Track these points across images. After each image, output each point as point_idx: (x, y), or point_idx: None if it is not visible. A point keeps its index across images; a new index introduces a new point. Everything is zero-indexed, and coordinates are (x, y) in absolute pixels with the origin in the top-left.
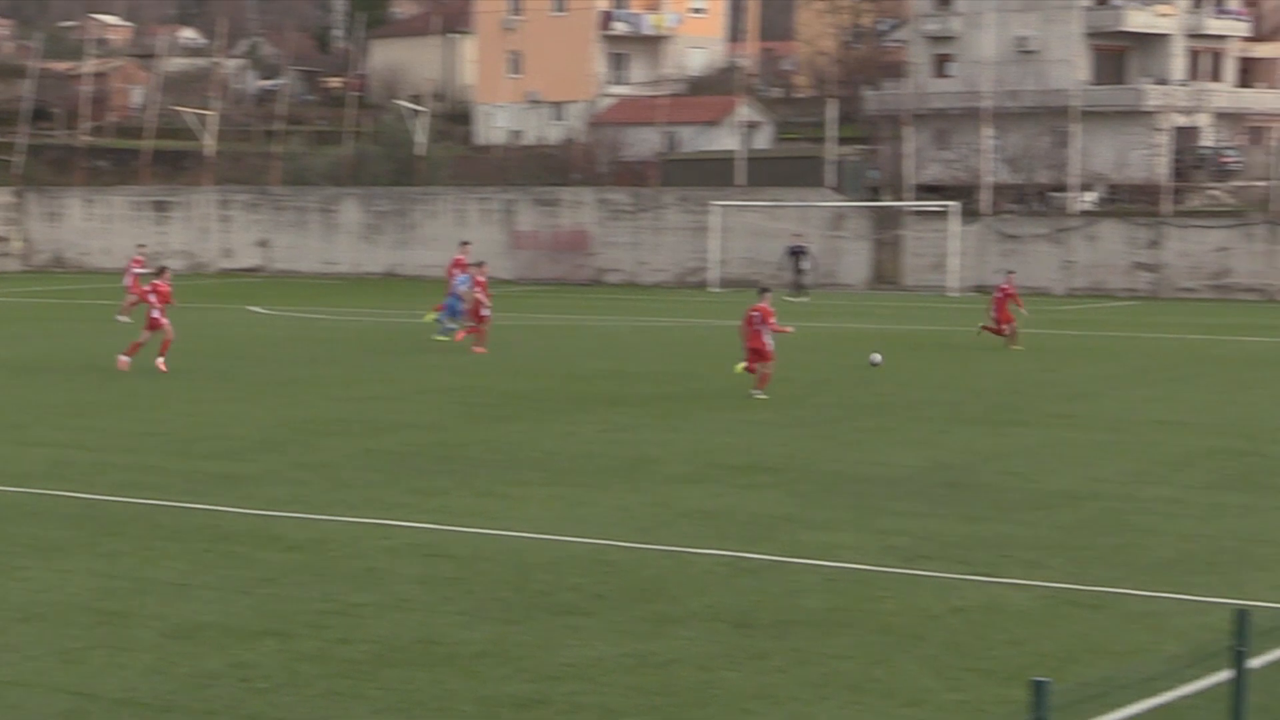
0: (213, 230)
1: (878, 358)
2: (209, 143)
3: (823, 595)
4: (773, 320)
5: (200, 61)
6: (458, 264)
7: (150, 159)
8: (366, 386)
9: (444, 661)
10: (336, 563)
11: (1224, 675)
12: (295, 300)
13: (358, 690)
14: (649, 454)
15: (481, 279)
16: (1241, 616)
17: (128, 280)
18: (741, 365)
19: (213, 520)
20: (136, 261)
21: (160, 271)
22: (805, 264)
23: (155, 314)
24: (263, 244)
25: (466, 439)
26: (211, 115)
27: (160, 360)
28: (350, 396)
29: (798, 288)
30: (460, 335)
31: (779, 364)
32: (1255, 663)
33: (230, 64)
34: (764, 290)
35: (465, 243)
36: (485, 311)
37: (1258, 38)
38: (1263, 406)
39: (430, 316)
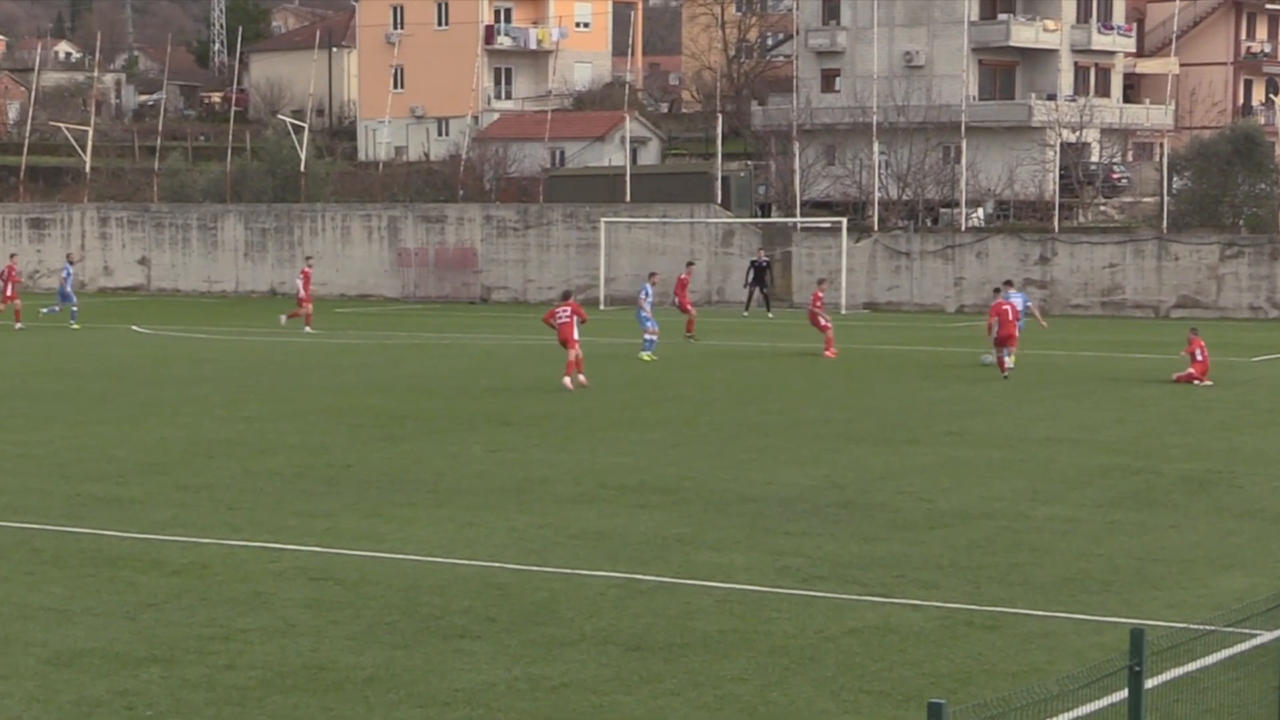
0: (92, 248)
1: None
2: (86, 159)
3: (716, 617)
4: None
5: (77, 76)
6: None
7: (26, 176)
8: (250, 407)
9: (333, 687)
10: (221, 587)
11: (1120, 695)
12: (177, 319)
13: (245, 718)
14: (539, 474)
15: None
16: (1138, 636)
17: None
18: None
19: (95, 544)
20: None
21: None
22: (768, 279)
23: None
24: (143, 262)
25: (353, 460)
26: (89, 131)
27: None
28: (234, 417)
29: (766, 303)
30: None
31: (672, 382)
32: (1152, 683)
33: (108, 79)
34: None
35: (308, 259)
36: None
37: (1143, 54)
38: (1155, 424)
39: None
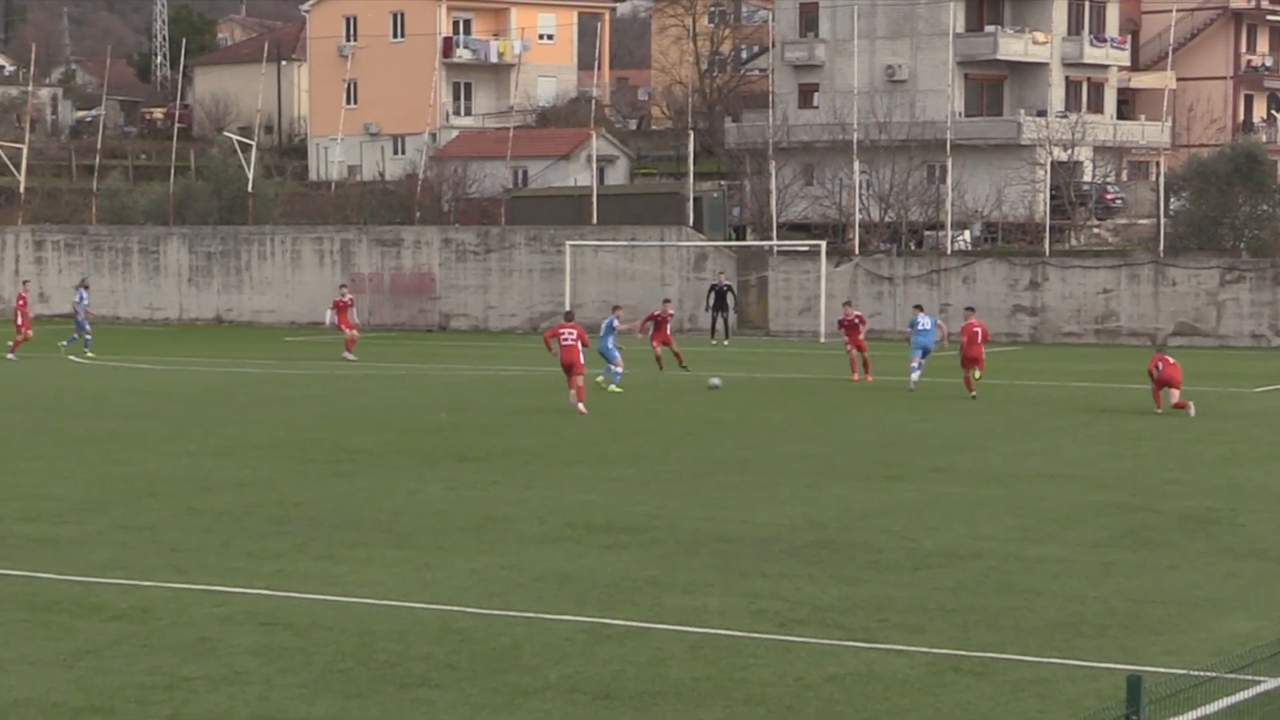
0: (26, 273)
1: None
2: (20, 178)
3: (689, 664)
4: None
5: (10, 91)
6: None
7: None
8: (195, 441)
9: None
10: (164, 632)
11: None
12: (117, 349)
13: None
14: (501, 513)
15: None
16: (1135, 683)
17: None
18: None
19: (29, 588)
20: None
21: None
22: (730, 302)
23: None
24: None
25: (304, 498)
26: (23, 148)
27: None
28: (177, 452)
29: (725, 330)
30: None
31: (642, 415)
32: None
33: (43, 93)
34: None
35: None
36: None
37: (1138, 67)
38: (1153, 459)
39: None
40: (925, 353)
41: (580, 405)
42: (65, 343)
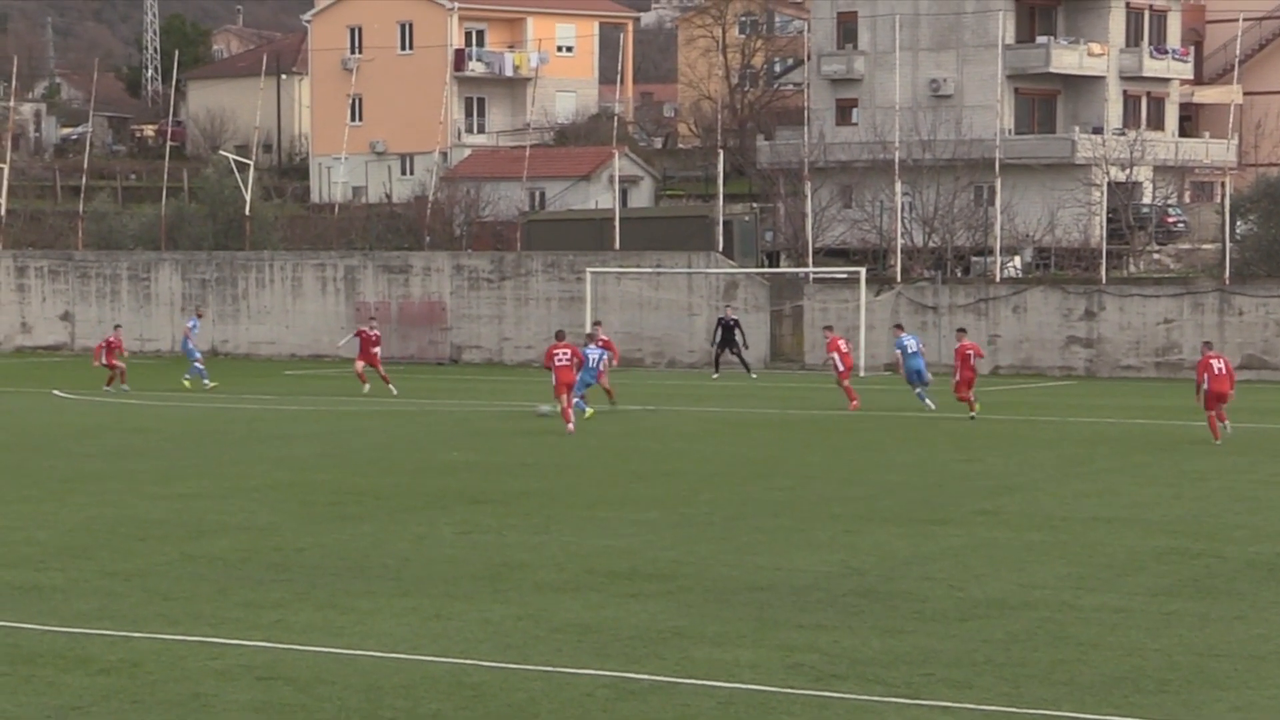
0: (7, 302)
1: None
2: (1, 200)
3: None
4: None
5: None
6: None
7: None
8: (188, 482)
9: None
10: (156, 688)
11: None
12: (103, 382)
13: None
14: (517, 559)
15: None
16: None
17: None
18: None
19: (9, 638)
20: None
21: None
22: (739, 337)
23: None
24: (66, 317)
25: (305, 543)
26: (4, 168)
27: None
28: (169, 494)
29: (744, 365)
30: None
31: (668, 454)
32: None
33: (25, 109)
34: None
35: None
36: None
37: (1201, 81)
38: (1217, 500)
39: None
40: (920, 375)
41: (569, 425)
42: (189, 376)
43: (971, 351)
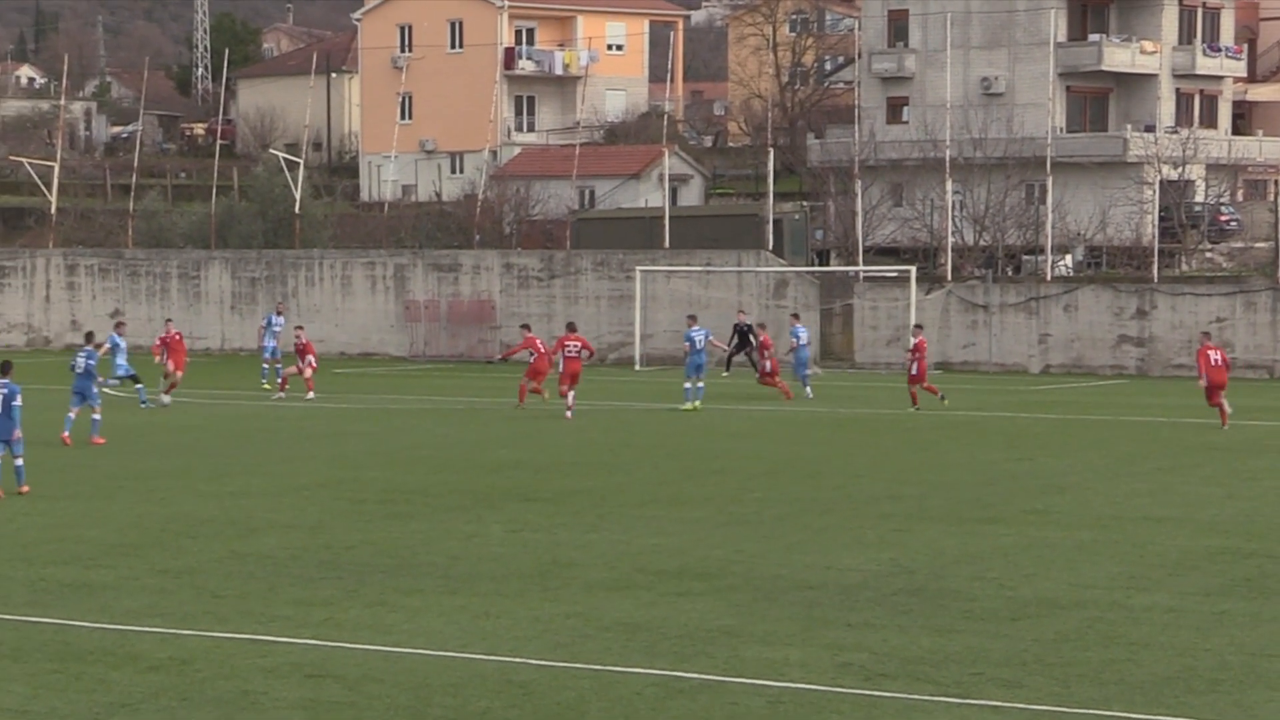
0: (57, 300)
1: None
2: (52, 198)
3: None
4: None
5: (41, 105)
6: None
7: None
8: (238, 481)
9: None
10: (205, 685)
11: None
12: (154, 381)
13: None
14: (566, 557)
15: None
16: None
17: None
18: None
19: (59, 635)
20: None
21: None
22: (752, 341)
23: None
24: (116, 315)
25: (354, 541)
26: (55, 166)
27: None
28: (219, 492)
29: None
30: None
31: (718, 453)
32: None
33: (76, 107)
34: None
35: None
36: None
37: (1255, 79)
38: (1269, 500)
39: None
40: (804, 364)
41: (569, 413)
42: (279, 371)
43: (920, 348)
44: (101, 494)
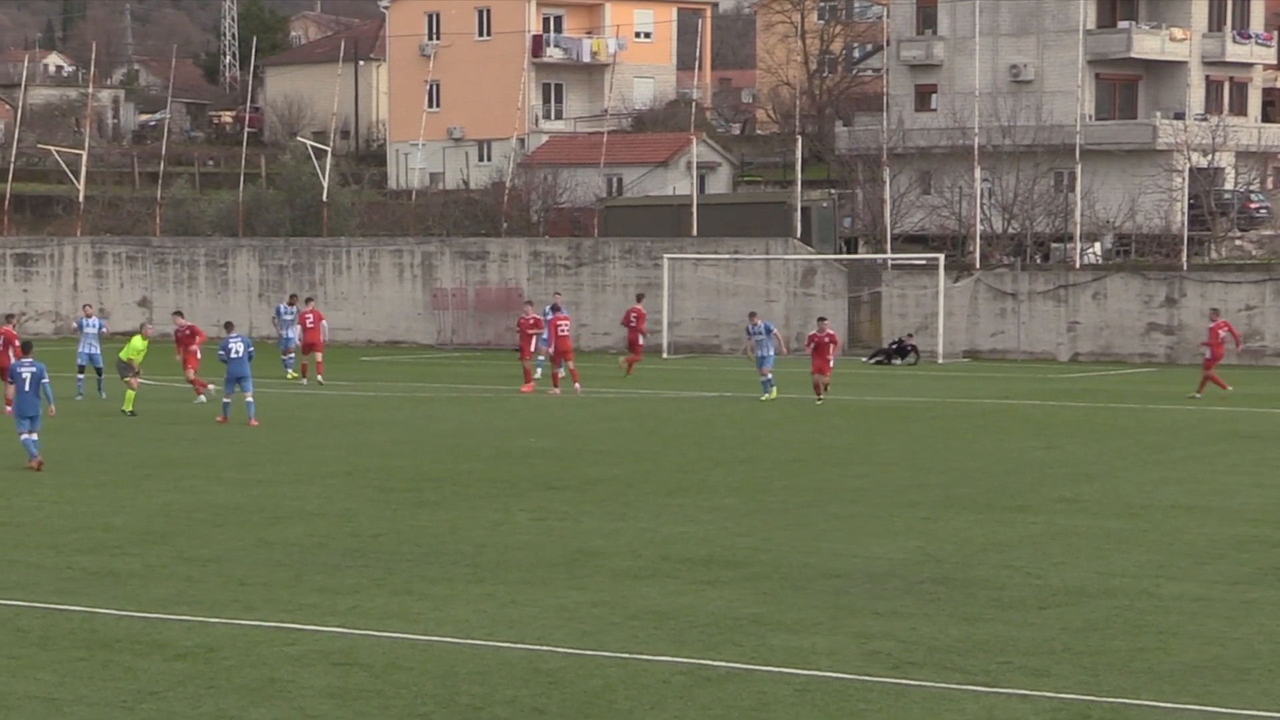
0: (85, 288)
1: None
2: (80, 186)
3: (796, 708)
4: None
5: (69, 93)
6: None
7: (11, 205)
8: (265, 469)
9: None
10: (232, 673)
11: None
12: (180, 369)
13: None
14: (592, 546)
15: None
16: None
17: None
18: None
19: (86, 623)
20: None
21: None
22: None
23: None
24: (143, 303)
25: (381, 529)
26: (82, 154)
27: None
28: (246, 480)
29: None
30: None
31: (745, 441)
32: None
33: (104, 95)
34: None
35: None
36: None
37: None
38: None
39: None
40: (766, 361)
41: (576, 385)
42: (287, 363)
43: (829, 340)
44: (129, 482)
